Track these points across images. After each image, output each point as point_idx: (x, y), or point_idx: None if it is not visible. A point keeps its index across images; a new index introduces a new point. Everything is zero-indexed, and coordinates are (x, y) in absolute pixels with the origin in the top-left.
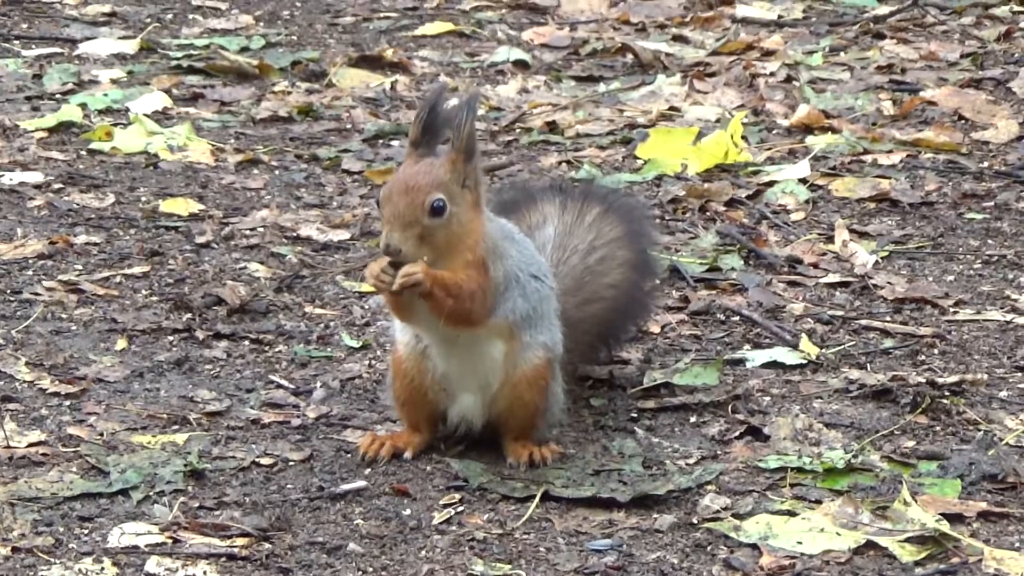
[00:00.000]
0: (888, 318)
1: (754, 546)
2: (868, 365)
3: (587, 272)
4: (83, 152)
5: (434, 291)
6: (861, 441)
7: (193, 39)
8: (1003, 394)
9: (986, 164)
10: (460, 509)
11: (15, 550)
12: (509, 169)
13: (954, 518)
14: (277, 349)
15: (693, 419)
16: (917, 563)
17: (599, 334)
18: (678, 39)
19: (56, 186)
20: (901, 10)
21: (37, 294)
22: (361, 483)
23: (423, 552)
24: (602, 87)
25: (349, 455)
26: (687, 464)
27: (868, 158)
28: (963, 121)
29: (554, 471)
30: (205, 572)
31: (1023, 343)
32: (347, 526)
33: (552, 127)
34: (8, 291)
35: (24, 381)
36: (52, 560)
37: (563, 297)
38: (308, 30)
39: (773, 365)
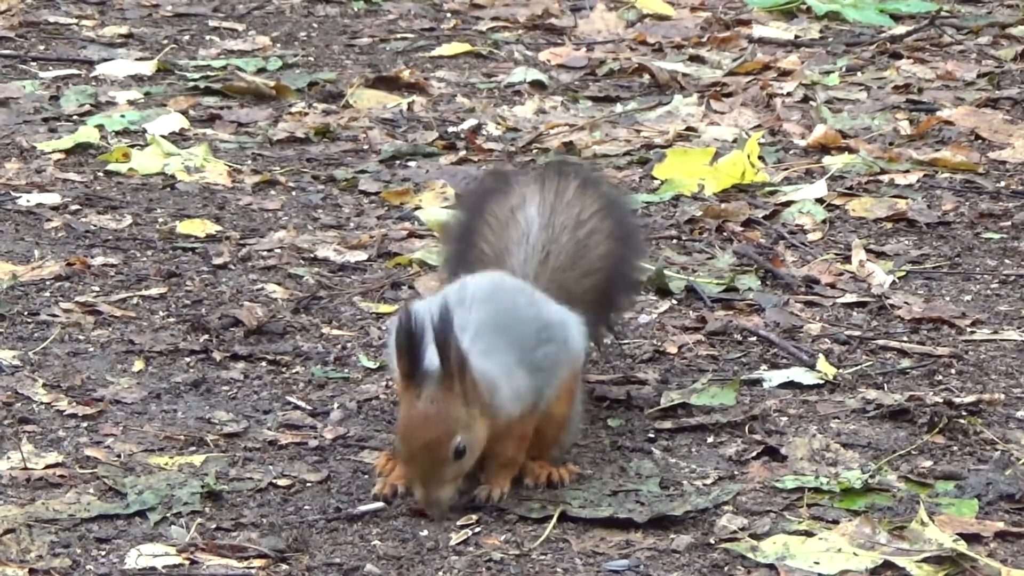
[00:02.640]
0: (905, 338)
1: (771, 566)
2: (885, 385)
3: (580, 247)
4: (100, 173)
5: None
6: (878, 461)
7: (210, 60)
8: (1020, 414)
9: (1003, 184)
10: (477, 530)
11: (32, 571)
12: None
13: (971, 538)
14: (294, 370)
15: (710, 439)
16: None
17: (599, 306)
18: (695, 59)
19: (73, 207)
20: (918, 30)
21: (54, 315)
22: (379, 504)
23: (440, 573)
24: (619, 107)
25: (366, 476)
26: (704, 484)
27: (885, 178)
28: (980, 141)
29: (571, 492)
30: None
31: None
32: (364, 547)
33: (569, 147)
34: (25, 312)
35: (41, 403)
36: None
37: (562, 273)
38: (325, 51)
39: (790, 385)
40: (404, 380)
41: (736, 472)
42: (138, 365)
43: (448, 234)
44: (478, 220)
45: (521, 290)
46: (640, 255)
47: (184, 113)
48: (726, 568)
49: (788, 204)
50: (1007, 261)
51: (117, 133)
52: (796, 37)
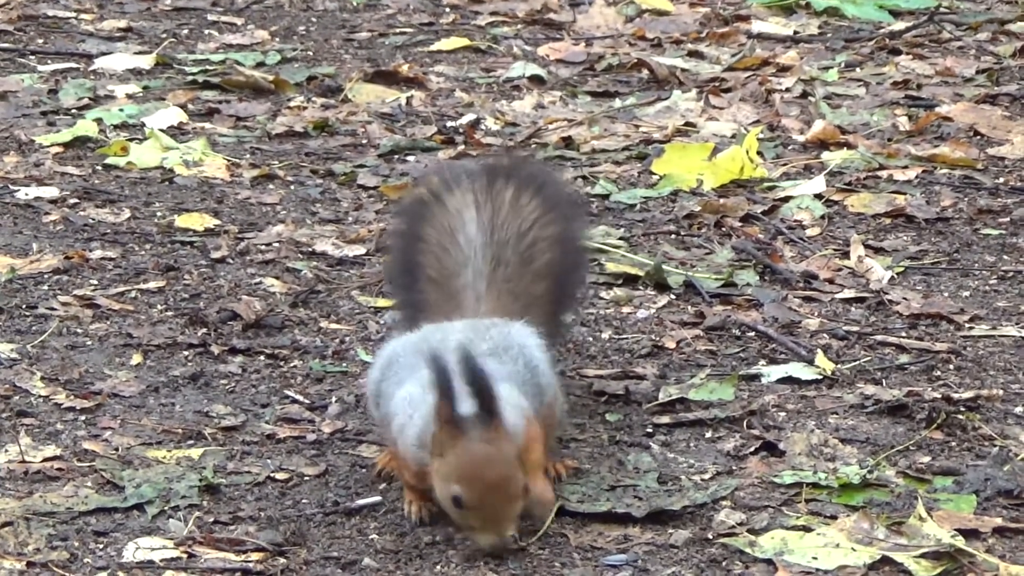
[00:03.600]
0: (904, 334)
1: (769, 561)
2: (883, 381)
3: (525, 258)
4: (99, 167)
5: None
6: (876, 456)
7: (209, 54)
8: (1018, 410)
9: (1002, 180)
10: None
11: (30, 564)
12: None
13: (969, 534)
14: (292, 364)
15: (708, 434)
16: None
17: (554, 305)
18: (694, 55)
19: (72, 201)
20: (917, 26)
21: (52, 309)
22: (376, 498)
23: (438, 567)
24: (618, 102)
25: (364, 470)
26: (702, 479)
27: (884, 174)
28: (979, 137)
29: (569, 486)
30: None
31: None
32: (362, 541)
33: (568, 142)
34: (23, 306)
35: (39, 396)
36: (67, 575)
37: (513, 282)
38: (324, 45)
39: (788, 380)
40: (445, 426)
41: (734, 467)
42: (136, 358)
43: (390, 267)
44: (416, 247)
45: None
46: (584, 256)
47: (183, 107)
48: (724, 563)
49: (787, 200)
50: (1005, 257)
51: (116, 127)
52: (795, 33)
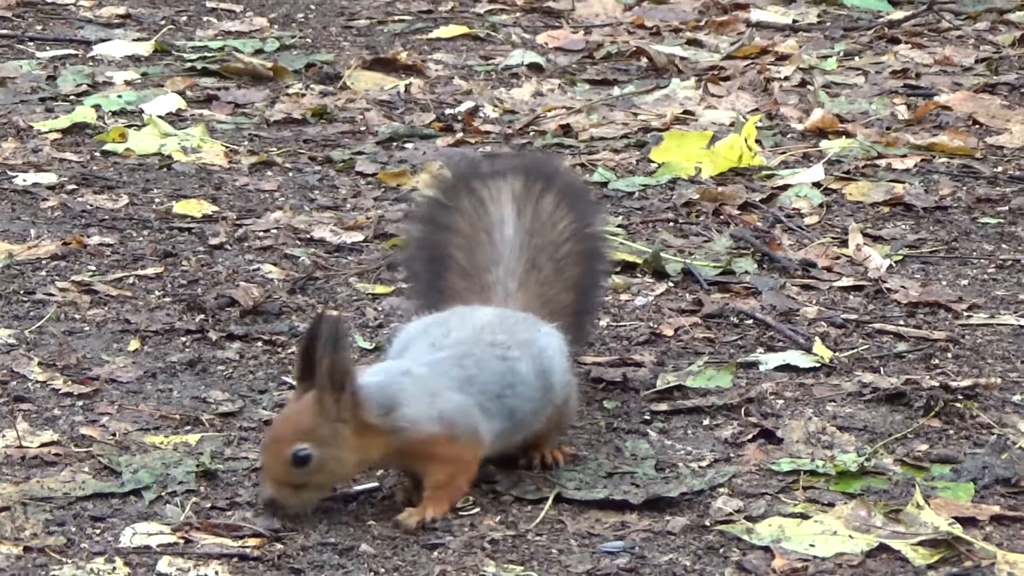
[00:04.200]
0: (902, 322)
1: (767, 548)
2: (881, 369)
3: (559, 268)
4: (97, 153)
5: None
6: (874, 444)
7: (207, 41)
8: (1016, 398)
9: (1000, 169)
10: (473, 511)
11: (27, 549)
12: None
13: (967, 522)
14: (290, 350)
15: (706, 422)
16: (930, 566)
17: (580, 316)
18: (692, 43)
19: (70, 187)
20: (916, 15)
21: (50, 294)
22: (373, 484)
23: (435, 553)
24: (616, 90)
25: None
26: (700, 466)
27: (882, 162)
28: (978, 126)
29: (567, 473)
30: (217, 572)
31: None
32: (359, 527)
33: (566, 130)
34: (21, 291)
35: (37, 381)
36: (64, 560)
37: (545, 287)
38: (322, 33)
39: (786, 368)
40: (297, 383)
41: (732, 454)
42: (134, 344)
43: (410, 252)
44: (444, 236)
45: (499, 344)
46: (604, 277)
47: (181, 94)
48: (721, 550)
49: (785, 188)
50: (1004, 246)
51: (114, 113)
52: (794, 21)
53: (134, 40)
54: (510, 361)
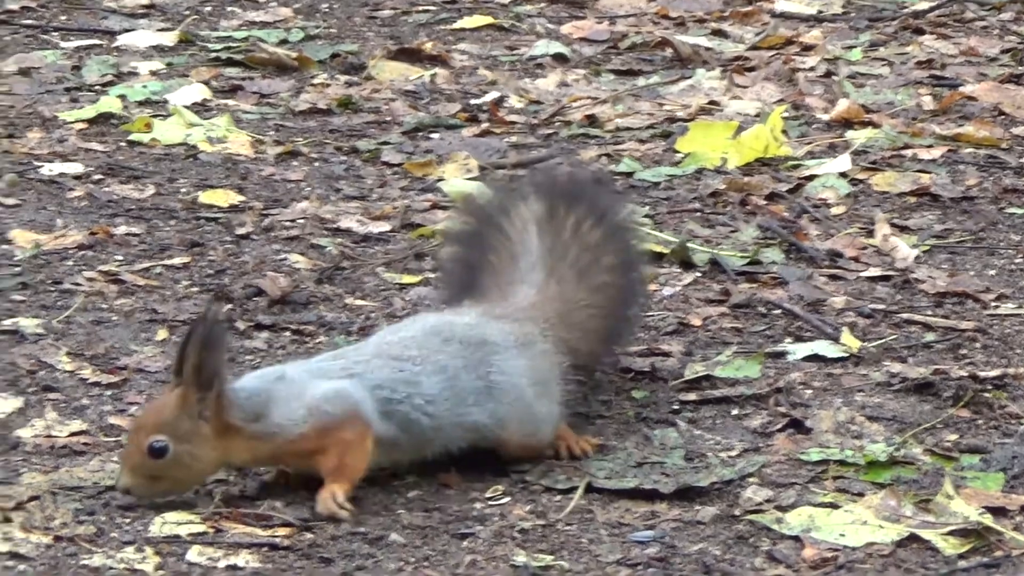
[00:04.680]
0: (929, 312)
1: (796, 538)
2: (910, 359)
3: (591, 294)
4: (122, 143)
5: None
6: (903, 434)
7: (232, 31)
8: None
9: None
10: (503, 501)
11: (57, 539)
12: (548, 162)
13: (997, 511)
14: (318, 340)
15: (735, 411)
16: (960, 556)
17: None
18: (717, 33)
19: (96, 177)
20: (940, 6)
21: (78, 284)
22: None
23: (465, 543)
24: (641, 81)
25: None
26: (729, 456)
27: (908, 152)
28: (1003, 116)
29: (596, 463)
30: (247, 562)
31: None
32: (389, 516)
33: (592, 121)
34: (48, 281)
35: (65, 371)
36: (94, 549)
37: (568, 312)
38: (347, 23)
39: (814, 358)
40: (172, 377)
41: (761, 444)
42: (162, 334)
43: (448, 262)
44: (480, 247)
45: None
46: (636, 324)
47: (206, 84)
48: (751, 539)
49: (811, 178)
50: None
51: (139, 103)
52: (819, 12)
53: (159, 30)
54: (408, 373)
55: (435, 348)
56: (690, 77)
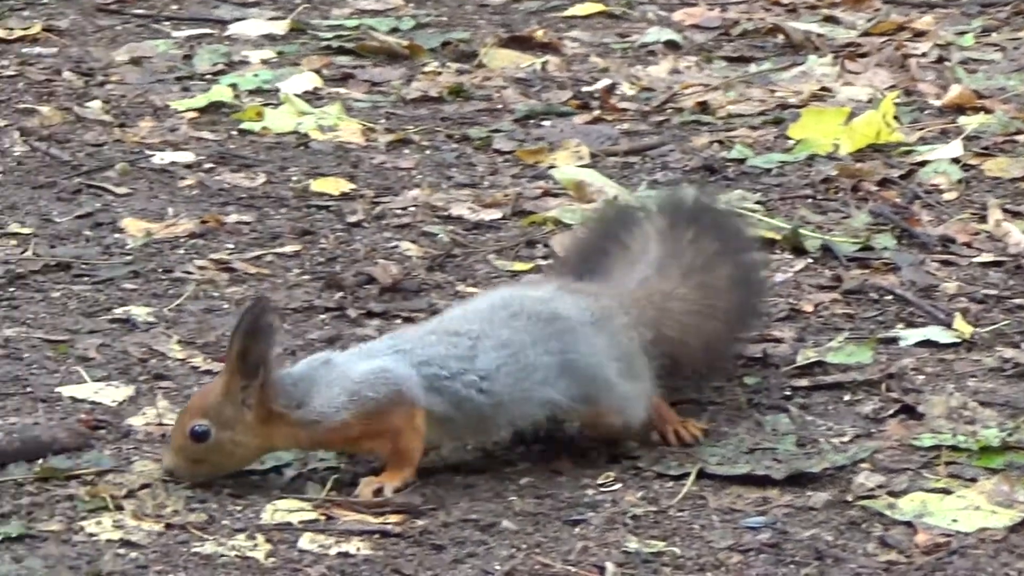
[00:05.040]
0: None
1: (909, 524)
2: (1022, 344)
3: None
4: (234, 132)
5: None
6: (1016, 420)
7: (343, 20)
8: None
9: None
10: (615, 487)
11: (169, 526)
12: (660, 149)
13: None
14: None
15: (847, 397)
16: None
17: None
18: (829, 20)
19: (207, 166)
20: None
21: (189, 273)
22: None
23: (577, 529)
24: (753, 68)
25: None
26: (841, 442)
27: (1021, 138)
28: None
29: (708, 449)
30: (358, 549)
31: None
32: (501, 503)
33: (703, 107)
34: (160, 270)
35: (176, 359)
36: (205, 536)
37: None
38: (458, 11)
39: (927, 344)
40: (225, 362)
41: (873, 430)
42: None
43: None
44: (599, 255)
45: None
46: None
47: (317, 72)
48: (863, 525)
49: (923, 164)
50: None
51: (250, 92)
52: None
53: (270, 19)
54: (462, 348)
55: (500, 322)
56: (802, 63)
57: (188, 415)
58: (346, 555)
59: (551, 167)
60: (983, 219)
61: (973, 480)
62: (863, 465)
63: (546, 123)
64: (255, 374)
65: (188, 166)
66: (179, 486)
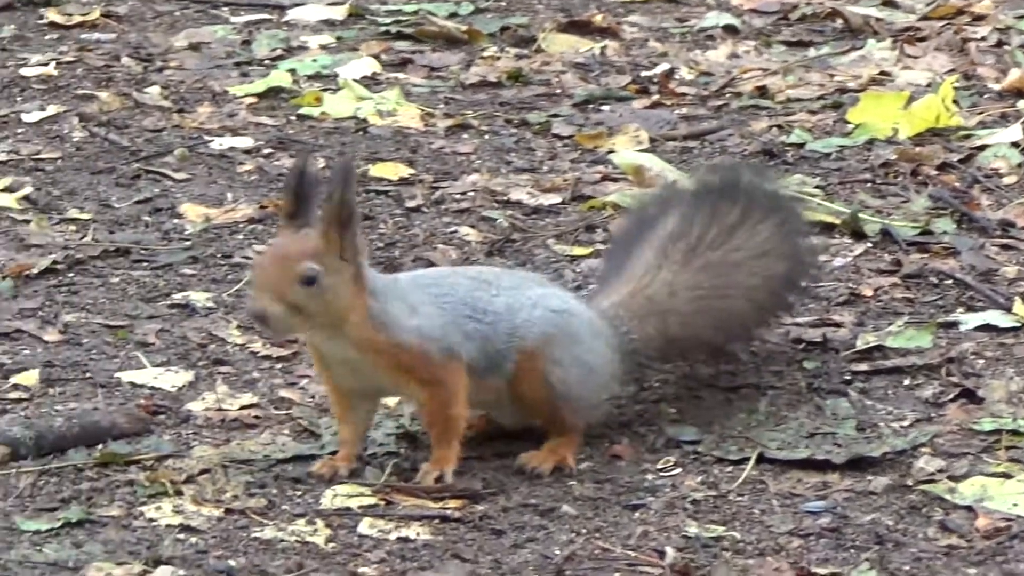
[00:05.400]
0: None
1: (969, 508)
2: None
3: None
4: (292, 117)
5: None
6: None
7: (401, 5)
8: None
9: None
10: (674, 472)
11: (228, 511)
12: (719, 134)
13: None
14: None
15: (907, 382)
16: None
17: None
18: (888, 4)
19: (266, 151)
20: None
21: (248, 258)
22: None
23: (637, 514)
24: (812, 52)
25: None
26: (901, 426)
27: None
28: None
29: (768, 433)
30: (418, 534)
31: None
32: (561, 488)
33: (762, 92)
34: (219, 255)
35: (236, 344)
36: (265, 521)
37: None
38: None
39: (986, 328)
40: (285, 220)
41: (933, 414)
42: None
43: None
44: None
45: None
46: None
47: (376, 57)
48: (924, 509)
49: (983, 148)
50: None
51: (309, 77)
52: None
53: (328, 4)
54: (484, 293)
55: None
56: (861, 48)
57: (293, 260)
58: (406, 540)
59: (610, 152)
60: None
61: None
62: (923, 449)
63: (605, 108)
64: (348, 227)
65: (247, 151)
66: (239, 471)
